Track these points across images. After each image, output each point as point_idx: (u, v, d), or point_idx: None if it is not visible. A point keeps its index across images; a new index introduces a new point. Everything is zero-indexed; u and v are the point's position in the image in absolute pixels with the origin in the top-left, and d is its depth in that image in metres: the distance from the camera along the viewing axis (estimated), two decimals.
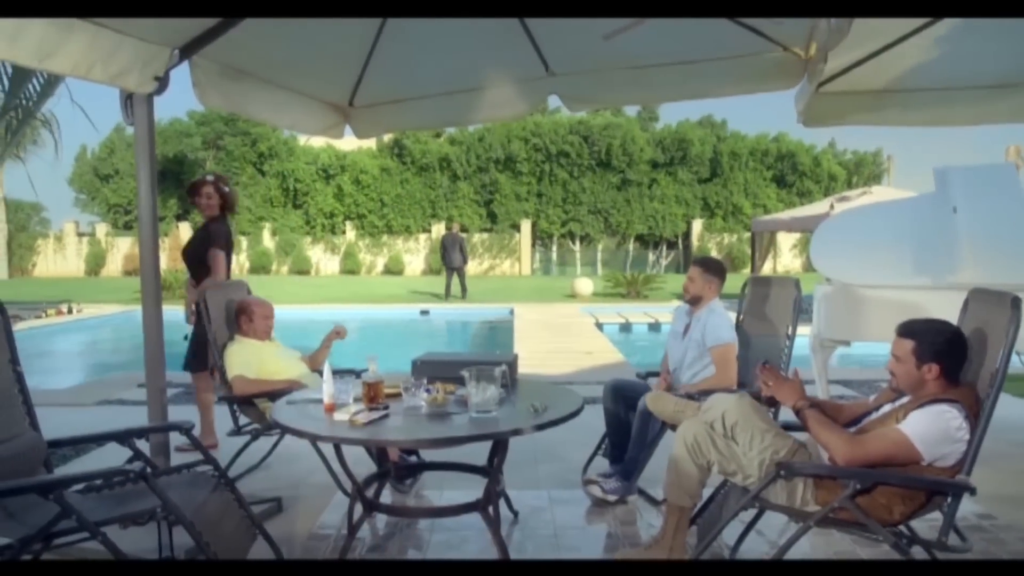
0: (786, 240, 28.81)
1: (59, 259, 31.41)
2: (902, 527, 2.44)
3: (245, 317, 3.92)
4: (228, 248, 4.56)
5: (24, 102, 4.87)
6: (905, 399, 2.46)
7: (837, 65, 3.58)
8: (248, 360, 3.77)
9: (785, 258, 29.36)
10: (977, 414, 2.30)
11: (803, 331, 4.04)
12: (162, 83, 3.18)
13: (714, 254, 30.12)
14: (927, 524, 2.58)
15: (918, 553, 2.35)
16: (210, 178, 4.59)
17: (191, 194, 4.58)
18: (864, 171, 31.10)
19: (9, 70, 4.76)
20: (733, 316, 4.00)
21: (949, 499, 2.31)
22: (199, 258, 4.53)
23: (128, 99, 3.30)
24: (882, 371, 2.66)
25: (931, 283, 4.57)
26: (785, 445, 2.56)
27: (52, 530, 2.09)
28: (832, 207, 12.82)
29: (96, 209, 32.44)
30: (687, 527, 2.78)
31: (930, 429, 2.28)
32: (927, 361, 2.36)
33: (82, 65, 2.78)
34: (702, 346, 3.68)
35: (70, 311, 15.06)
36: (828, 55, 3.00)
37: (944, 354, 2.36)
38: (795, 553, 2.49)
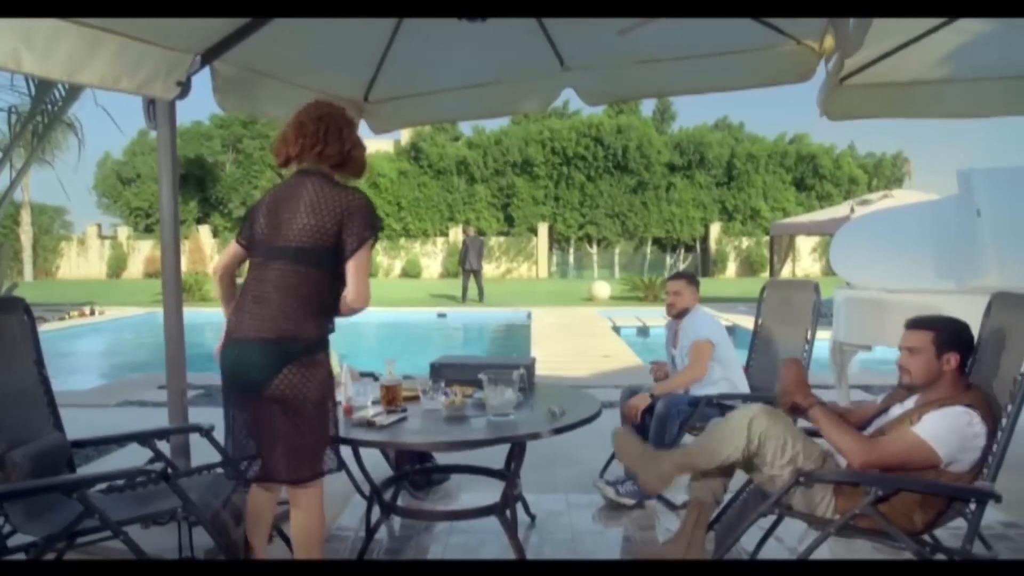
0: (805, 244, 28.58)
1: (82, 261, 31.87)
2: (926, 536, 2.40)
3: None
4: None
5: (49, 107, 4.94)
6: (915, 399, 2.44)
7: (861, 59, 3.52)
8: None
9: (804, 262, 29.12)
10: (992, 417, 2.28)
11: (823, 335, 4.00)
12: (184, 88, 3.20)
13: (732, 257, 29.98)
14: (951, 533, 2.54)
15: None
16: None
17: None
18: (884, 173, 30.77)
19: (36, 77, 4.84)
20: (746, 320, 3.97)
21: (973, 507, 2.26)
22: None
23: (151, 104, 3.34)
24: None
25: (955, 287, 4.50)
26: (813, 452, 2.51)
27: (75, 529, 2.12)
28: (852, 210, 12.70)
29: (118, 212, 32.88)
30: (707, 524, 2.75)
31: (947, 431, 2.26)
32: (947, 351, 2.36)
33: (109, 77, 2.80)
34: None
35: (92, 313, 15.25)
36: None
37: (962, 344, 2.38)
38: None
